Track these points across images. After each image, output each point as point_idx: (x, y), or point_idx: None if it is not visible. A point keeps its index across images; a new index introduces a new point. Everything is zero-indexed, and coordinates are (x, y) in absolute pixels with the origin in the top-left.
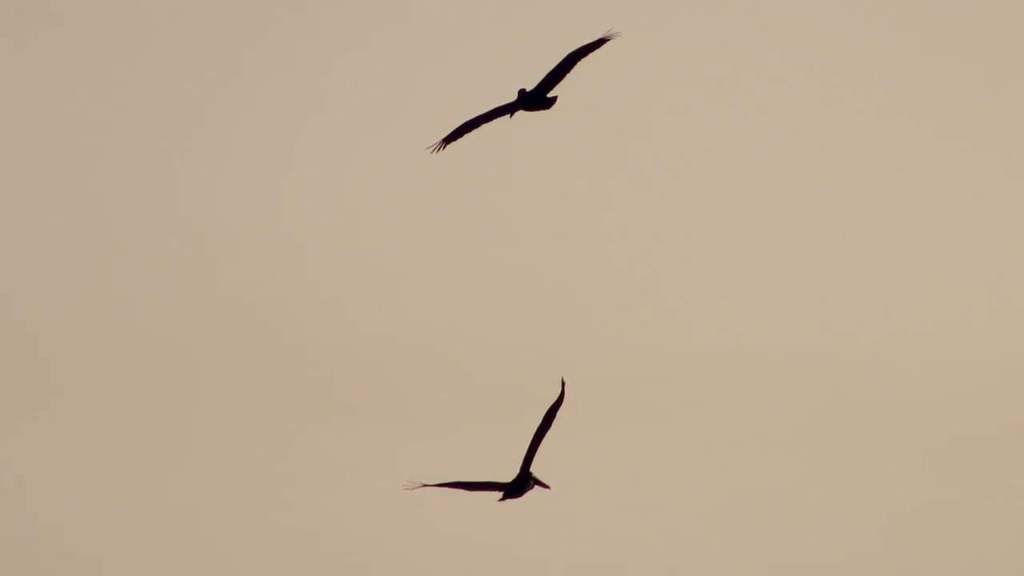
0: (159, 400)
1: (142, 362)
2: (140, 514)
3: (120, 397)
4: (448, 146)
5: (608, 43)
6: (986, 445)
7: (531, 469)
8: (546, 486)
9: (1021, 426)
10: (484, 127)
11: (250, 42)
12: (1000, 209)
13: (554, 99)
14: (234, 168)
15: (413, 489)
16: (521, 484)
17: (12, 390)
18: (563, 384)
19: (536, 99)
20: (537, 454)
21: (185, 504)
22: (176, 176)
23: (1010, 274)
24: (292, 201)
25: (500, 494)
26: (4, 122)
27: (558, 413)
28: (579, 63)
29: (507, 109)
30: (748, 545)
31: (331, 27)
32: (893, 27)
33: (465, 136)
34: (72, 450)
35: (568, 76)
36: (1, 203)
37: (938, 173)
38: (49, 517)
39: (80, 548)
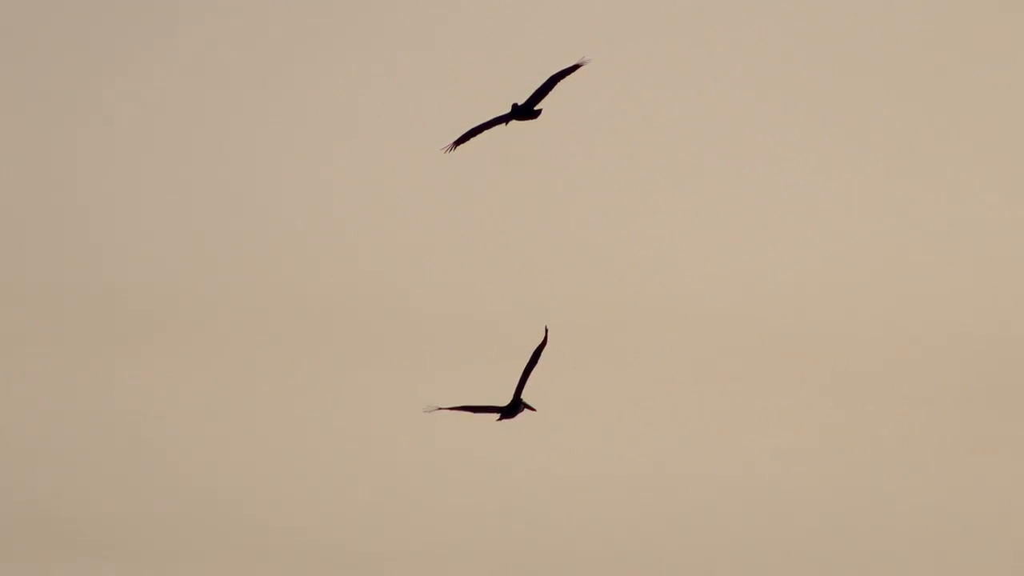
0: (230, 341)
1: (219, 305)
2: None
3: (201, 332)
4: (458, 147)
5: (581, 68)
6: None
7: (522, 396)
8: (533, 409)
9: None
10: (486, 132)
11: (312, 70)
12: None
13: (540, 111)
14: (295, 161)
15: (431, 411)
16: (514, 407)
17: (110, 337)
18: (546, 331)
19: (526, 111)
20: (527, 385)
21: (240, 421)
22: (253, 168)
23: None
24: (337, 189)
25: (498, 415)
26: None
27: (543, 353)
28: (559, 83)
29: (503, 119)
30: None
31: (366, 56)
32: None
33: (471, 139)
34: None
35: (551, 93)
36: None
37: (880, 141)
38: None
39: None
